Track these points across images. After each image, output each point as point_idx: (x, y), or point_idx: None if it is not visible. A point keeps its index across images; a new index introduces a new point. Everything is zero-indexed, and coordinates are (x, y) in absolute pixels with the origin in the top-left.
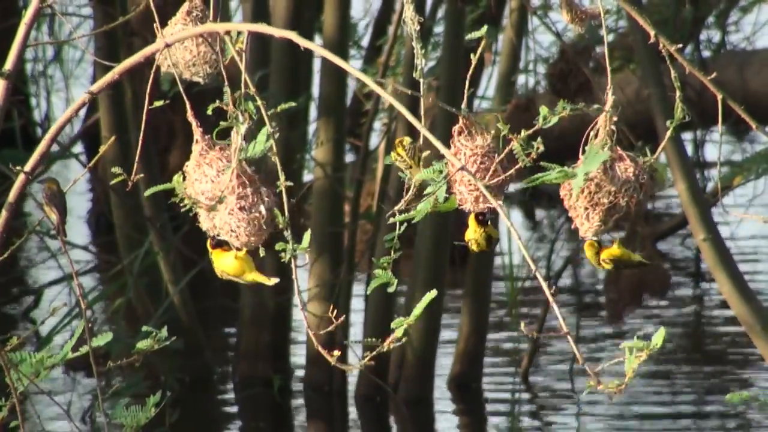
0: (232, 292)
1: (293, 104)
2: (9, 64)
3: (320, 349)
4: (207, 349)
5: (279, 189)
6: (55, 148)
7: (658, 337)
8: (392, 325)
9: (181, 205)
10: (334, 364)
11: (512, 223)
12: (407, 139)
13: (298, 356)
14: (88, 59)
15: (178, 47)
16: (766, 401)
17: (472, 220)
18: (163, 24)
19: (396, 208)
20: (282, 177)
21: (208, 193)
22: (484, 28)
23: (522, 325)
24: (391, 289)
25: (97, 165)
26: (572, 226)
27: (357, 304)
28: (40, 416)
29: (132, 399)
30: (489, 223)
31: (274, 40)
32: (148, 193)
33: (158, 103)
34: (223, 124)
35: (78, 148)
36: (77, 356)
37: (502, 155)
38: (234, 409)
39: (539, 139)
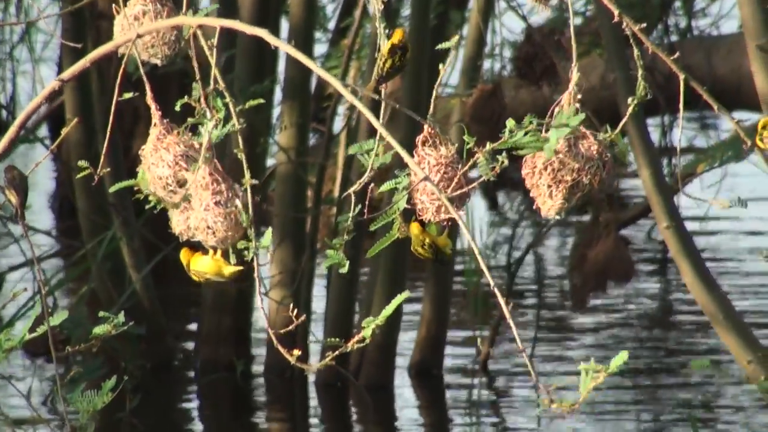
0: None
1: (261, 100)
2: None
3: (280, 347)
4: (169, 334)
5: (244, 187)
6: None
7: (617, 360)
8: (362, 324)
9: (145, 204)
10: (293, 364)
11: (473, 238)
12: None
13: (260, 341)
14: (56, 41)
15: (137, 28)
16: (727, 371)
17: (413, 228)
18: (126, 4)
19: (351, 189)
20: (247, 174)
21: (166, 179)
22: (454, 39)
23: (478, 341)
24: (342, 271)
25: (60, 148)
26: (534, 206)
27: (319, 289)
28: (0, 402)
29: (91, 384)
30: (444, 231)
31: (241, 22)
32: (113, 189)
33: (127, 95)
34: (190, 120)
35: (42, 131)
36: (37, 342)
37: (466, 167)
38: (195, 394)
39: (504, 153)
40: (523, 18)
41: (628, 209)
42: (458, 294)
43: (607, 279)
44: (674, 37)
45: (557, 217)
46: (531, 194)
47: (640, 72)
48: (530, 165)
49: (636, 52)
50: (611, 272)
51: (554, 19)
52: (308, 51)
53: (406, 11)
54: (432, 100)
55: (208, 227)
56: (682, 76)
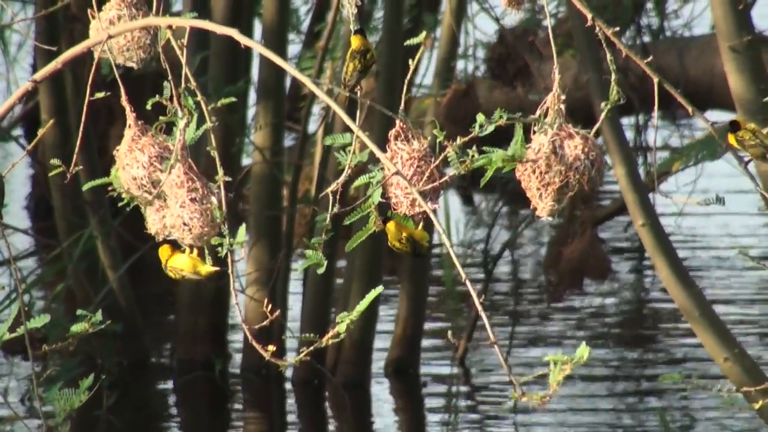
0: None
1: (233, 99)
2: None
3: (254, 343)
4: (145, 332)
5: (218, 184)
6: None
7: (582, 351)
8: (337, 319)
9: (119, 202)
10: (268, 359)
11: (445, 229)
12: None
13: (237, 340)
14: (30, 42)
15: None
16: (698, 383)
17: (390, 226)
18: (101, 9)
19: (328, 189)
20: (221, 172)
21: (141, 180)
22: (422, 35)
23: (449, 333)
24: (320, 271)
25: (36, 148)
26: (531, 207)
27: (295, 287)
28: None
29: (68, 383)
30: (420, 225)
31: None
32: (86, 187)
33: (99, 95)
34: (162, 119)
35: (17, 131)
36: (15, 340)
37: (438, 161)
38: (171, 392)
39: (474, 147)
40: (496, 19)
41: (603, 207)
42: (434, 293)
43: (583, 276)
44: (647, 38)
45: (549, 219)
46: (528, 195)
47: (613, 76)
48: (521, 168)
49: (609, 55)
50: (587, 270)
51: (527, 20)
52: (281, 53)
53: (379, 13)
54: (402, 96)
55: (184, 224)
56: (656, 79)
